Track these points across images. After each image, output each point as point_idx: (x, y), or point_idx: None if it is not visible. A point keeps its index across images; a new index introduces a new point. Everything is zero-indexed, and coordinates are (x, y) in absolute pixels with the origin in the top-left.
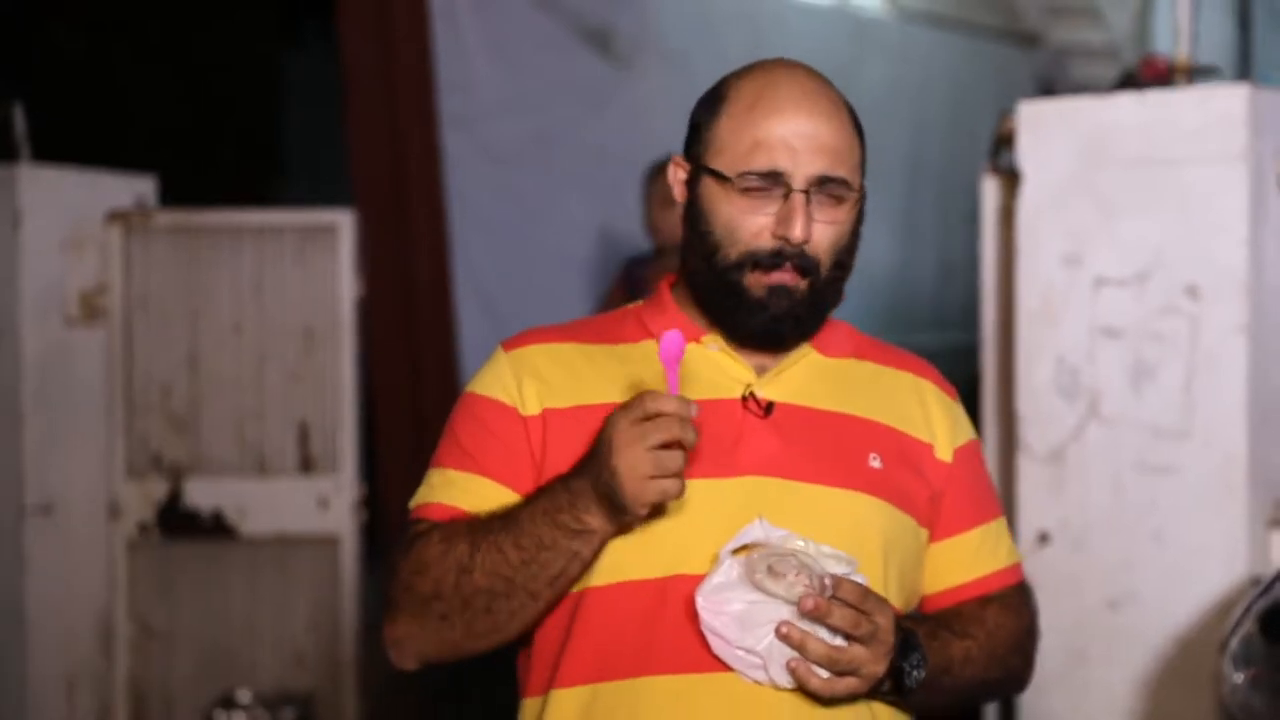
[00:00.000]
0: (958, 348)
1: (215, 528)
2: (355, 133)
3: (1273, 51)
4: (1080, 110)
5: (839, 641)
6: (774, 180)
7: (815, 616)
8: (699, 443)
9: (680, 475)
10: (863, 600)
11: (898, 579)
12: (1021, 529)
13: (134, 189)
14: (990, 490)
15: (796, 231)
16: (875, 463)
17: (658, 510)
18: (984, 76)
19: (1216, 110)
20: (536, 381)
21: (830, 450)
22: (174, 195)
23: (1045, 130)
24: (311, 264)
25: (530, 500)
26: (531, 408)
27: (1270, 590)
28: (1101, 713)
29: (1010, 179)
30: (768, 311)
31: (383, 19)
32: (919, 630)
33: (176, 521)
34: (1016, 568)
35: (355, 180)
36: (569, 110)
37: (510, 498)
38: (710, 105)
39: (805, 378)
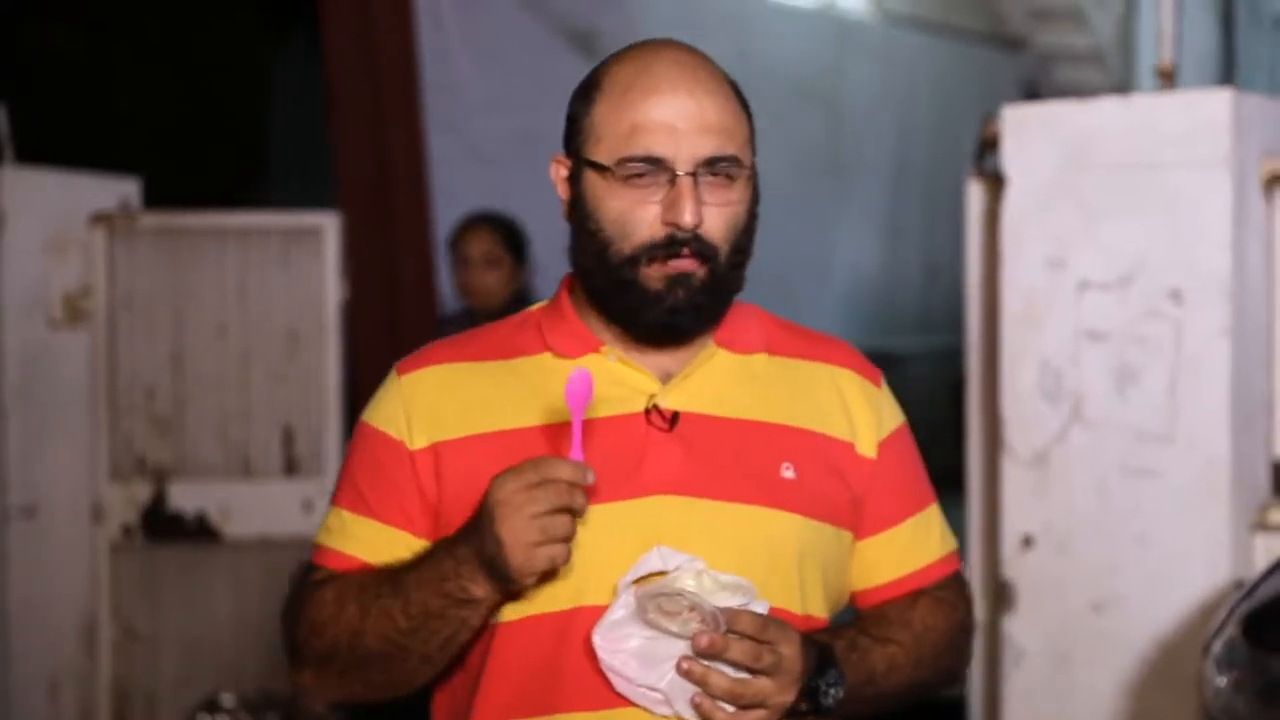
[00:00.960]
0: (942, 350)
1: (199, 530)
2: (339, 134)
3: (1256, 56)
4: (1064, 114)
5: (742, 675)
6: (657, 165)
7: (711, 654)
8: (601, 464)
9: (569, 541)
10: (762, 631)
11: (819, 590)
12: (1005, 532)
13: (118, 191)
14: (921, 477)
15: (686, 217)
16: (788, 473)
17: (547, 575)
18: (968, 80)
19: (1200, 115)
20: (426, 411)
21: (739, 463)
22: (162, 197)
23: (1029, 134)
24: (296, 266)
25: (417, 564)
26: (419, 441)
27: (1253, 593)
28: (1085, 716)
29: (995, 183)
30: (665, 303)
31: (366, 20)
32: (837, 644)
33: (160, 524)
34: (951, 557)
35: (340, 182)
36: (554, 111)
37: (405, 540)
38: (585, 94)
39: (713, 382)
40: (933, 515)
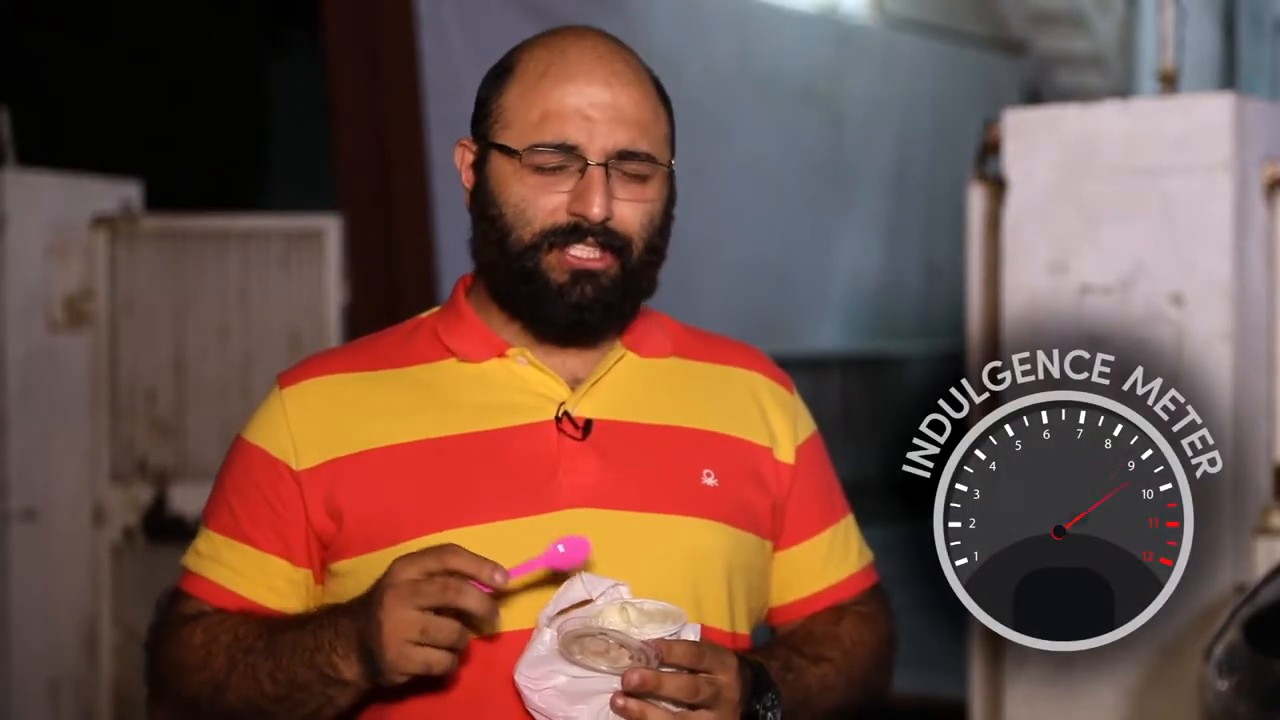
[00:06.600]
0: (943, 354)
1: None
2: (341, 137)
3: (1258, 60)
4: (1065, 118)
5: (681, 709)
6: (567, 153)
7: (643, 690)
8: (512, 476)
9: (454, 650)
10: (698, 661)
11: (745, 602)
12: None
13: (120, 193)
14: (836, 487)
15: (594, 209)
16: (709, 480)
17: (427, 680)
18: (970, 84)
19: (1201, 119)
20: (315, 426)
21: (658, 471)
22: (163, 200)
23: (1031, 138)
24: (297, 269)
25: (299, 624)
26: (308, 460)
27: (1254, 598)
28: (1086, 719)
29: (996, 186)
30: (570, 298)
31: (368, 24)
32: (771, 665)
33: (161, 526)
34: (869, 569)
35: (341, 186)
36: None
37: (282, 569)
38: (497, 77)
39: (624, 386)
40: (849, 525)
